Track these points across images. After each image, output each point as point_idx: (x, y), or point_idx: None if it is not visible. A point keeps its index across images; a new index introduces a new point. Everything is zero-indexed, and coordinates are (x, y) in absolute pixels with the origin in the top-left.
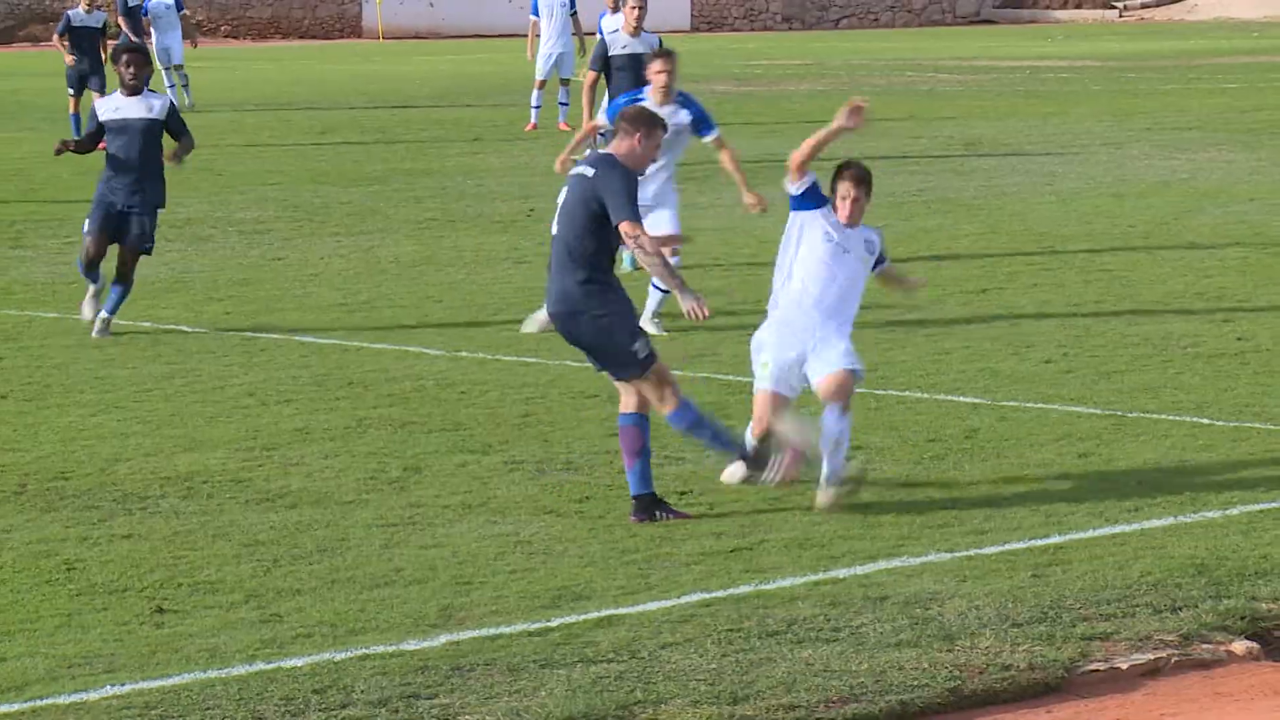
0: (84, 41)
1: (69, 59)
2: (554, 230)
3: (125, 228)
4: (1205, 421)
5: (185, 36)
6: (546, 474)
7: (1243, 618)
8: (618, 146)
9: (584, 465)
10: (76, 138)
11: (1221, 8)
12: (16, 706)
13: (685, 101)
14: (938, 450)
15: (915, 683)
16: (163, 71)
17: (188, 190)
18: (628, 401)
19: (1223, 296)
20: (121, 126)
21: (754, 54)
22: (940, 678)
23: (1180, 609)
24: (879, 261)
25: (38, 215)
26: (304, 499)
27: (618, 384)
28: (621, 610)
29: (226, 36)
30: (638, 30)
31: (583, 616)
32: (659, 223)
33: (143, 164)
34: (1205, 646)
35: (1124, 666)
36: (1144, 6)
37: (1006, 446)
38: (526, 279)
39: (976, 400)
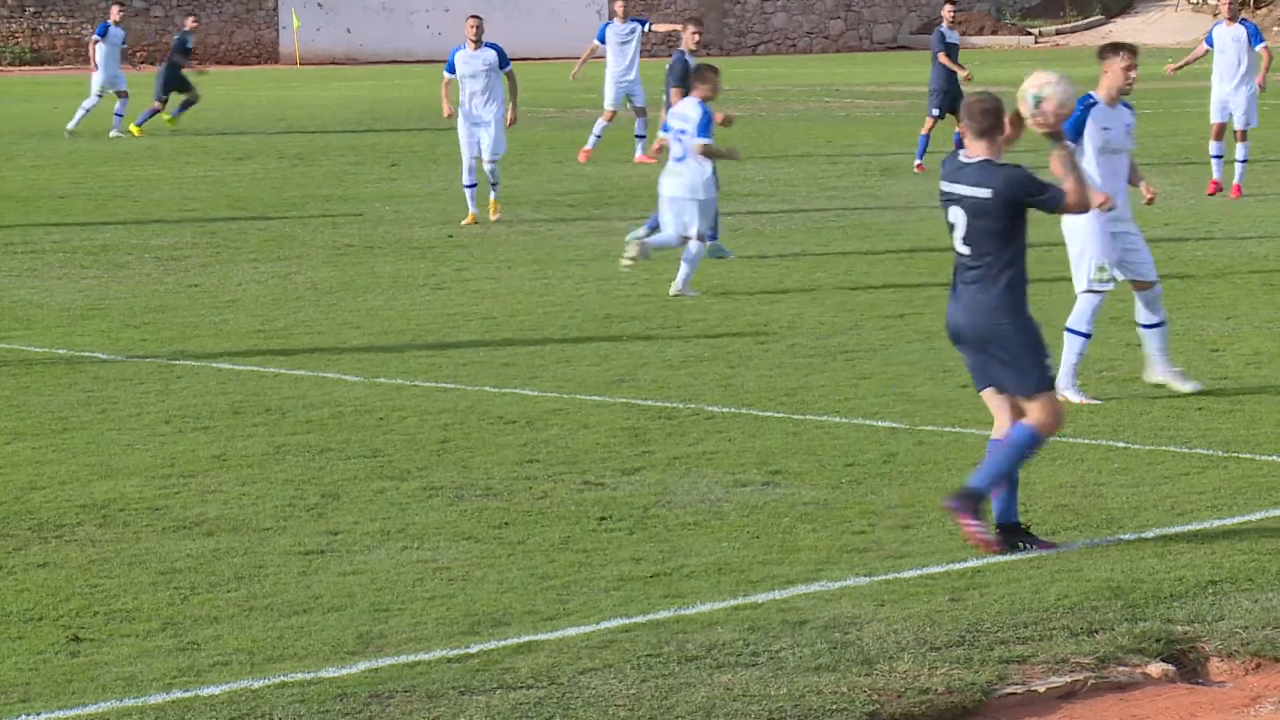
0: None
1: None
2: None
3: None
4: (1120, 445)
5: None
6: (465, 499)
7: (1158, 640)
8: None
9: (503, 491)
10: None
11: (1135, 34)
12: None
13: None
14: (856, 474)
15: (834, 707)
16: (95, 98)
17: (104, 216)
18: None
19: None
20: None
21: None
22: (859, 702)
23: (1096, 632)
24: None
25: None
26: (221, 526)
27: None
28: (540, 636)
29: (143, 63)
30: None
31: (502, 643)
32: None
33: None
34: (1121, 669)
35: (1041, 689)
36: (1059, 33)
37: (924, 470)
38: (445, 304)
39: (894, 425)
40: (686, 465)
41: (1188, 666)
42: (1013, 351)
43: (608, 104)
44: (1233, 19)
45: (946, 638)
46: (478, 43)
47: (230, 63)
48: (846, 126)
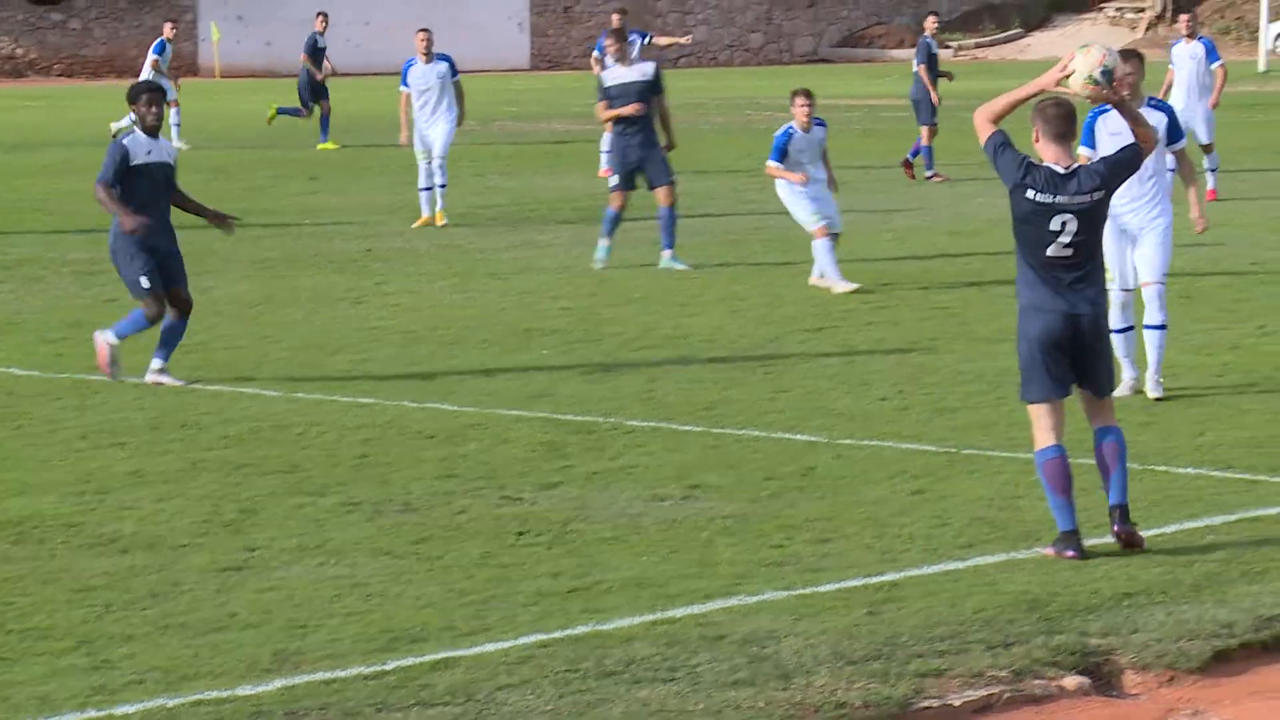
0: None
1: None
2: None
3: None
4: None
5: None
6: (383, 515)
7: (1074, 653)
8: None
9: (421, 506)
10: None
11: (1053, 48)
12: None
13: (1158, 105)
14: (774, 488)
15: None
16: (175, 110)
17: (20, 230)
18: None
19: None
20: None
21: (592, 93)
22: (776, 716)
23: (1012, 645)
24: None
25: None
26: (137, 543)
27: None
28: (458, 652)
29: (60, 75)
30: None
31: (419, 659)
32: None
33: (166, 207)
34: (1037, 682)
35: (957, 703)
36: (978, 46)
37: (842, 484)
38: (365, 319)
39: (813, 438)
40: (605, 479)
41: (1103, 679)
42: (1108, 347)
43: None
44: (1191, 36)
45: (863, 651)
46: (429, 55)
47: None
48: (767, 139)
